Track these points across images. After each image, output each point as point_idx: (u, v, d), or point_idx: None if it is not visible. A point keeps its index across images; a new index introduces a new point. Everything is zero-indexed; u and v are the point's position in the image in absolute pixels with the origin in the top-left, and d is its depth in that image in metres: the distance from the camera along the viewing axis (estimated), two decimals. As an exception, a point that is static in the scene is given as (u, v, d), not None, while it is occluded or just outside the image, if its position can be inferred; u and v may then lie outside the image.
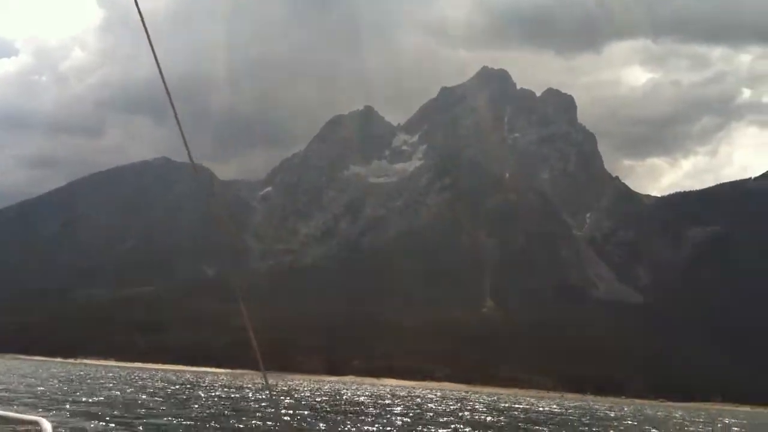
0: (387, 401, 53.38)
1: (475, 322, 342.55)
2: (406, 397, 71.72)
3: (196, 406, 53.63)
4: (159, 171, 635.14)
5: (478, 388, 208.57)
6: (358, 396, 60.83)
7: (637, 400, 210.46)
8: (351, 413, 30.54)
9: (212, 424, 38.43)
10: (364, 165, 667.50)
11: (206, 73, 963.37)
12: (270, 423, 34.60)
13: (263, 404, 54.35)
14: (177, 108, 8.31)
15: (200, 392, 75.03)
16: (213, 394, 74.73)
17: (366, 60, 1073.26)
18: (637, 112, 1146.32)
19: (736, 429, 55.70)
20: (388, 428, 23.74)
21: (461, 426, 30.97)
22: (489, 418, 40.91)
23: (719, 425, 56.90)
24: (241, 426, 35.08)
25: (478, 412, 45.80)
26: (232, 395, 74.05)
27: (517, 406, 63.14)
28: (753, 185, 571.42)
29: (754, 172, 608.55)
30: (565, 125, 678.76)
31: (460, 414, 43.53)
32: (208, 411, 48.93)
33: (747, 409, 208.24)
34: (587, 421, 46.99)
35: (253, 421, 38.58)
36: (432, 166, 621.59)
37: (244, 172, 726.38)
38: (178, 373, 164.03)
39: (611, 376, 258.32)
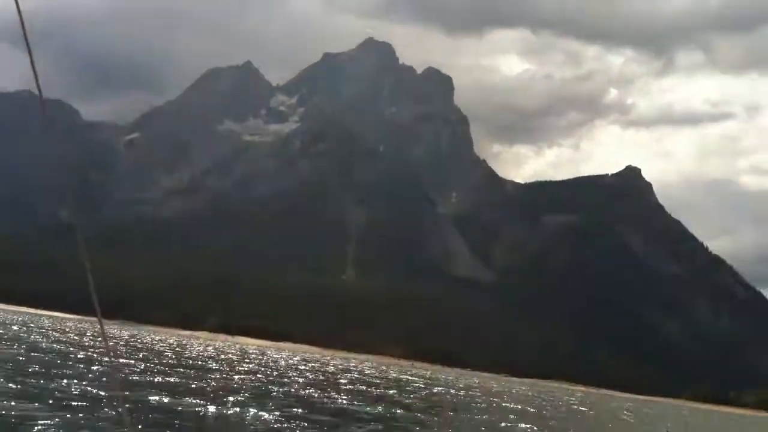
0: (235, 358, 54.03)
1: (335, 288, 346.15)
2: (255, 355, 72.66)
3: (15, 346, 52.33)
4: (21, 104, 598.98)
5: (332, 352, 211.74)
6: (206, 352, 61.03)
7: (483, 373, 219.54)
8: (187, 368, 30.87)
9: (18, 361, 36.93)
10: (239, 122, 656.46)
11: (80, 9, 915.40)
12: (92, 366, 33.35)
13: (93, 351, 53.79)
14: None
15: (29, 335, 72.71)
16: (42, 336, 72.62)
17: (251, 15, 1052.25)
18: (509, 100, 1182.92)
19: (572, 404, 60.35)
20: (224, 383, 24.63)
21: (300, 383, 32.35)
22: (340, 379, 42.54)
23: (559, 402, 61.24)
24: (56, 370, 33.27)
25: (320, 372, 47.39)
26: (63, 339, 72.28)
27: (369, 371, 65.33)
28: (609, 181, 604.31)
29: (611, 169, 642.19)
30: (441, 105, 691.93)
31: (309, 374, 44.83)
32: (19, 350, 47.71)
33: (582, 388, 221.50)
34: (423, 385, 49.67)
35: (79, 365, 37.47)
36: (307, 130, 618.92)
37: (113, 114, 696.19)
38: (22, 315, 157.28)
39: (461, 350, 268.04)
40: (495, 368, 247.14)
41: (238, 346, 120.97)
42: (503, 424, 24.96)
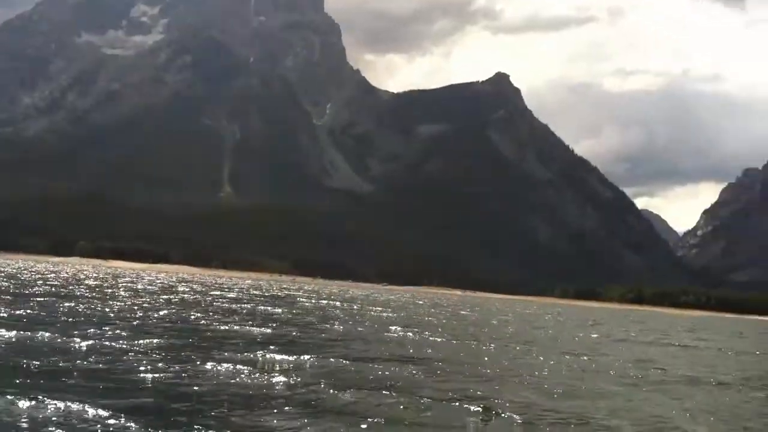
0: (100, 284, 51.38)
1: (211, 206, 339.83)
2: (129, 278, 69.79)
3: None
4: None
5: (213, 271, 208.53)
6: (72, 277, 57.92)
7: (365, 284, 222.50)
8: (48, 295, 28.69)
9: None
10: (98, 34, 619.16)
11: None
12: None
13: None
14: None
15: None
16: None
17: None
18: (381, 6, 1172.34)
19: (441, 301, 62.03)
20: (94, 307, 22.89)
21: (177, 306, 30.68)
22: (218, 299, 40.91)
23: (435, 301, 63.01)
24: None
25: (199, 293, 45.73)
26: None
27: (251, 288, 64.17)
28: (480, 88, 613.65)
29: (482, 76, 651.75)
30: (311, 13, 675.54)
31: (188, 296, 42.91)
32: None
33: (458, 293, 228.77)
34: (305, 299, 49.03)
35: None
36: (173, 42, 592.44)
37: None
38: None
39: (342, 262, 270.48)
40: (378, 278, 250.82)
41: (110, 269, 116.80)
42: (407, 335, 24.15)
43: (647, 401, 14.10)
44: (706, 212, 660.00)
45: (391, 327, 28.34)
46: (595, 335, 37.79)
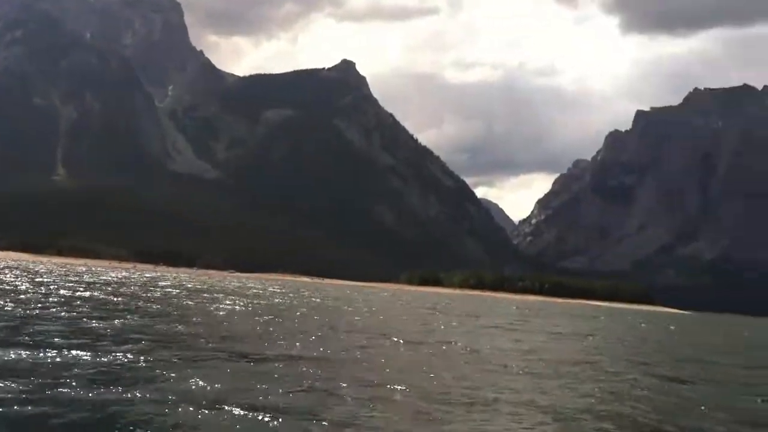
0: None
1: (44, 190, 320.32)
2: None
3: None
4: None
5: (47, 258, 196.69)
6: None
7: (210, 271, 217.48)
8: None
9: None
10: None
11: None
12: None
13: None
14: None
15: None
16: None
17: None
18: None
19: (276, 289, 61.59)
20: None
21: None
22: (57, 288, 38.51)
23: (271, 289, 62.35)
24: None
25: (33, 283, 42.55)
26: None
27: (87, 276, 60.00)
28: (326, 75, 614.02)
29: (328, 63, 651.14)
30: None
31: (21, 285, 40.08)
32: None
33: (306, 279, 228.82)
34: (155, 289, 46.65)
35: None
36: (2, 16, 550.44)
37: None
38: None
39: (184, 249, 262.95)
40: (225, 266, 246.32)
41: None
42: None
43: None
44: (539, 202, 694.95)
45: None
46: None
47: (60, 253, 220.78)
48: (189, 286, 55.77)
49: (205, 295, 46.68)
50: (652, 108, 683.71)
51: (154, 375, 12.76)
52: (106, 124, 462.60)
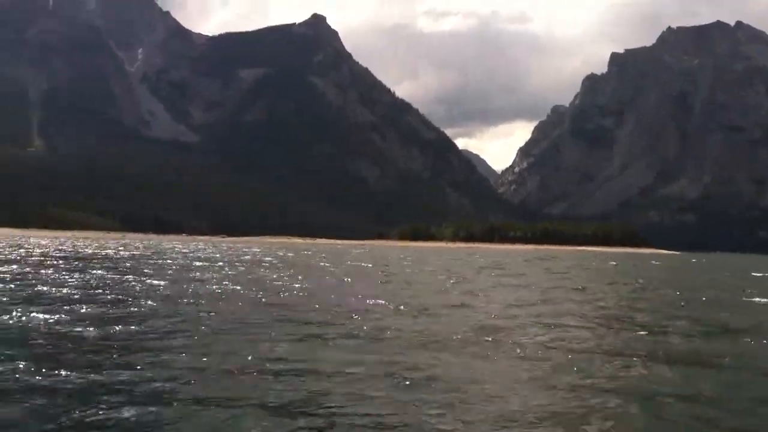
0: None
1: (22, 162, 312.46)
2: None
3: None
4: None
5: (34, 232, 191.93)
6: None
7: (200, 237, 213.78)
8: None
9: None
10: None
11: None
12: None
13: None
14: None
15: None
16: None
17: None
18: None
19: (255, 254, 58.86)
20: None
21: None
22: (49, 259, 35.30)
23: (265, 250, 59.47)
24: None
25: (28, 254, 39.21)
26: None
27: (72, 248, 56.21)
28: (297, 30, 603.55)
29: (297, 18, 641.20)
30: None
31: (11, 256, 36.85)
32: None
33: (299, 240, 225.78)
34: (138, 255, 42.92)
35: None
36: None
37: None
38: None
39: (170, 215, 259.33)
40: (212, 231, 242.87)
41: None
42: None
43: None
44: (521, 150, 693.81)
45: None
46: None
47: (47, 226, 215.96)
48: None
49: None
50: (626, 50, 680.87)
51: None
52: (79, 92, 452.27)
